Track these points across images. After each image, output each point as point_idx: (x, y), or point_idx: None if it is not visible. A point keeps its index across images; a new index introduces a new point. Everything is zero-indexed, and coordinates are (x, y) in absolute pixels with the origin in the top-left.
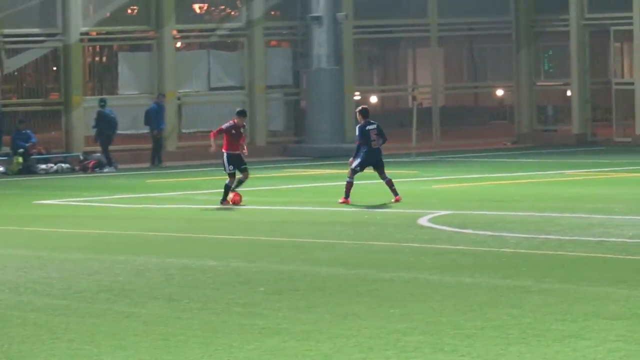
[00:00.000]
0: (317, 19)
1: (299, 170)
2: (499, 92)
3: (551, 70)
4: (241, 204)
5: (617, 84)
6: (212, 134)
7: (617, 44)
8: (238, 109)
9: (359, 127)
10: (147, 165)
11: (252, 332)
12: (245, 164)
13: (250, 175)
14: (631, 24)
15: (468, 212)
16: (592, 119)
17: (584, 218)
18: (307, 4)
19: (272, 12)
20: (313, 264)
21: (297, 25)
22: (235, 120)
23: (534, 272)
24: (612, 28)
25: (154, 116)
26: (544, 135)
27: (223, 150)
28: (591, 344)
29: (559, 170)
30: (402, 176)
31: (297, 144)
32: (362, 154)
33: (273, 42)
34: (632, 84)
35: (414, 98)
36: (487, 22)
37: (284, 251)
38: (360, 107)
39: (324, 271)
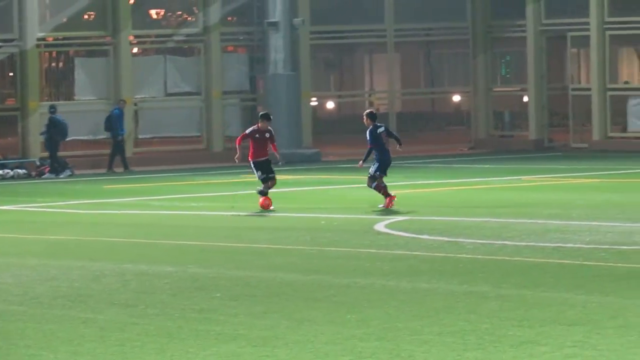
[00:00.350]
0: (274, 24)
1: (255, 176)
2: (456, 98)
3: (508, 75)
4: (271, 208)
5: (574, 89)
6: (237, 140)
7: (574, 50)
8: (261, 113)
9: (370, 131)
10: (104, 170)
11: (209, 338)
12: (273, 172)
13: (207, 181)
14: (588, 29)
15: (425, 217)
16: (548, 125)
17: (541, 224)
18: (264, 9)
19: (229, 18)
20: (270, 270)
21: (254, 30)
22: (259, 125)
23: (490, 278)
24: (569, 34)
25: (117, 121)
26: (500, 141)
27: (249, 160)
28: (548, 350)
29: (515, 176)
30: (359, 182)
31: None
32: (377, 157)
33: (230, 48)
34: (589, 89)
35: (370, 103)
36: (444, 28)
37: (241, 257)
38: (367, 111)
39: (280, 277)
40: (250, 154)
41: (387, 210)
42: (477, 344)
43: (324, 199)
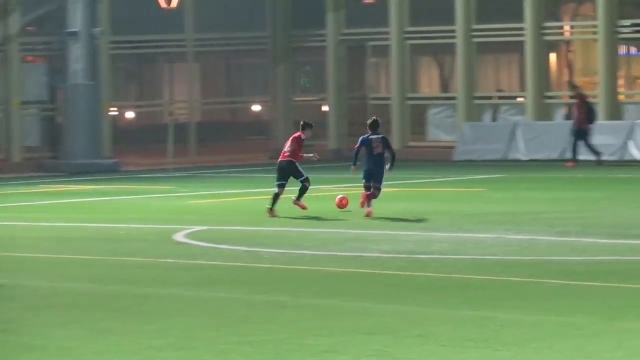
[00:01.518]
0: (74, 34)
1: (54, 186)
2: (256, 108)
3: (308, 85)
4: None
5: (373, 98)
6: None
7: (374, 59)
8: (304, 122)
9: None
10: None
11: (5, 349)
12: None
13: (4, 192)
14: (388, 39)
15: (224, 227)
16: (348, 134)
17: (340, 233)
18: (64, 19)
19: (28, 28)
20: (69, 280)
21: (54, 40)
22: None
23: (289, 287)
24: (369, 43)
25: None
26: None
27: (297, 159)
28: (347, 359)
29: (315, 185)
30: (158, 192)
31: (52, 160)
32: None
33: (29, 58)
34: (389, 98)
35: (170, 113)
36: (244, 38)
37: (40, 267)
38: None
39: (79, 287)
40: (298, 154)
41: (186, 220)
42: (274, 353)
43: (123, 209)
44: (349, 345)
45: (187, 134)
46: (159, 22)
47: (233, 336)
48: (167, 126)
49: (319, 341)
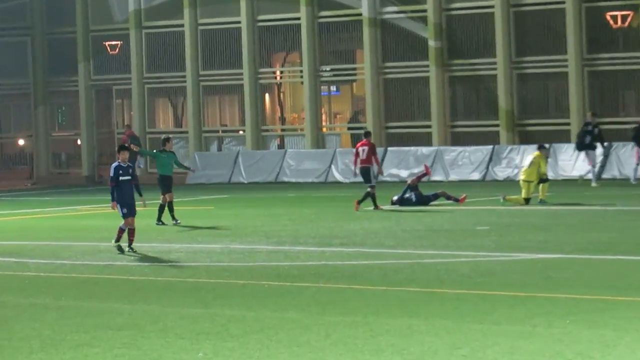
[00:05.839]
0: None
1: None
2: (21, 142)
3: (64, 122)
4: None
5: (119, 133)
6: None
7: (119, 100)
8: (366, 131)
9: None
10: None
11: None
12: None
13: None
14: (130, 83)
15: None
16: (98, 163)
17: (94, 245)
18: None
19: None
20: None
21: None
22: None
23: (51, 291)
24: (114, 87)
25: None
26: (59, 177)
27: (370, 165)
28: (100, 351)
29: (72, 206)
30: None
31: None
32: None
33: None
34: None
35: None
36: (9, 83)
37: None
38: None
39: None
40: (372, 161)
41: None
42: (40, 347)
43: None
44: (102, 340)
45: None
46: None
47: (5, 333)
48: None
49: (77, 337)
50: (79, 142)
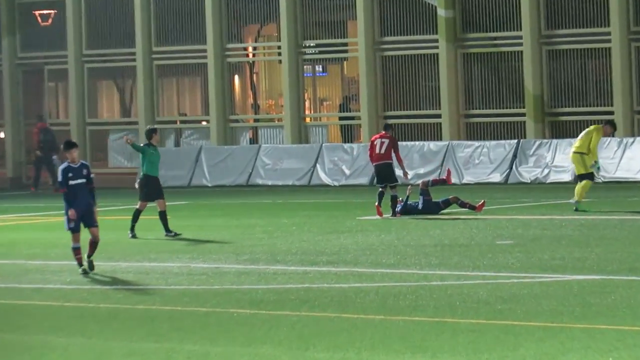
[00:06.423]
0: None
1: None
2: None
3: None
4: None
5: (52, 124)
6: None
7: (52, 84)
8: (387, 123)
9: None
10: None
11: None
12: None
13: None
14: (66, 62)
15: None
16: (27, 162)
17: (20, 264)
18: None
19: None
20: None
21: None
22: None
23: None
24: (47, 67)
25: None
26: None
27: (391, 161)
28: None
29: None
30: None
31: None
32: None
33: None
34: (68, 124)
35: None
36: None
37: None
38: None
39: None
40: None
41: None
42: None
43: None
44: None
45: None
46: None
47: None
48: None
49: None
50: (2, 135)
